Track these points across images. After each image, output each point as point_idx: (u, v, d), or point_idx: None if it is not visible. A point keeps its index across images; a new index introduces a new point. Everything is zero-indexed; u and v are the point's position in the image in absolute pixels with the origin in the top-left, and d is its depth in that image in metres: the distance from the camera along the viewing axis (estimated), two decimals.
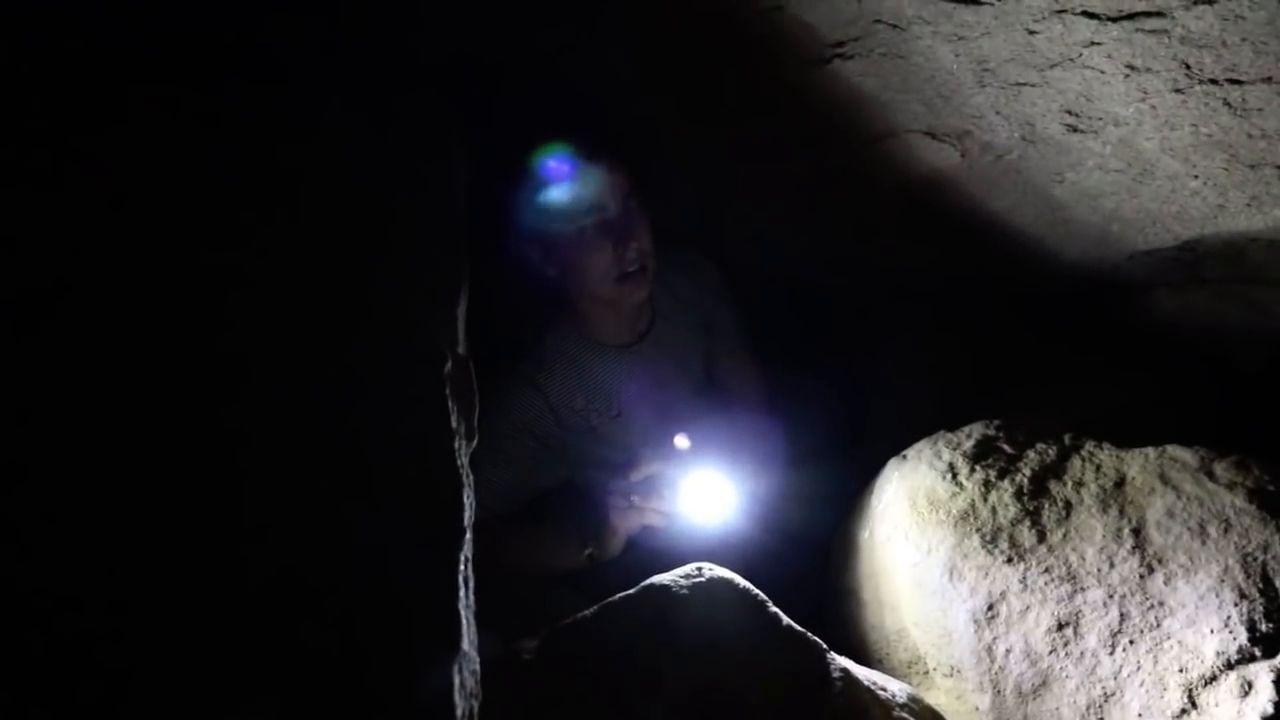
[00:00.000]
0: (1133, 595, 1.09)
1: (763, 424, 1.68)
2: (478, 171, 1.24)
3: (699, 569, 1.08)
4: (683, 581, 1.06)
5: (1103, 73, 1.01)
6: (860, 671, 1.11)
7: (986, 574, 1.18)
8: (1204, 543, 1.11)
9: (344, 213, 1.01)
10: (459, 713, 0.74)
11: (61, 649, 0.70)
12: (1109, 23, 0.92)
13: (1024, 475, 1.29)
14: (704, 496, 1.36)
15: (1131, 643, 1.06)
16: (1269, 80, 0.93)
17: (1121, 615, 1.08)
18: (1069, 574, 1.14)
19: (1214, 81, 0.96)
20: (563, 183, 1.36)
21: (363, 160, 1.06)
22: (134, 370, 0.83)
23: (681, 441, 1.37)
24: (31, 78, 0.95)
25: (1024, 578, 1.16)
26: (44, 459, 0.77)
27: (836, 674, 1.03)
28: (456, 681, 0.75)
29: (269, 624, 0.74)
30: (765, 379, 1.81)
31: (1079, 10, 0.93)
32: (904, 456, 1.42)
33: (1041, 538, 1.20)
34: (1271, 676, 0.95)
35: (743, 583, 1.07)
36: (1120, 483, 1.24)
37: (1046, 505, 1.24)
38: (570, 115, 1.39)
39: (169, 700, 0.70)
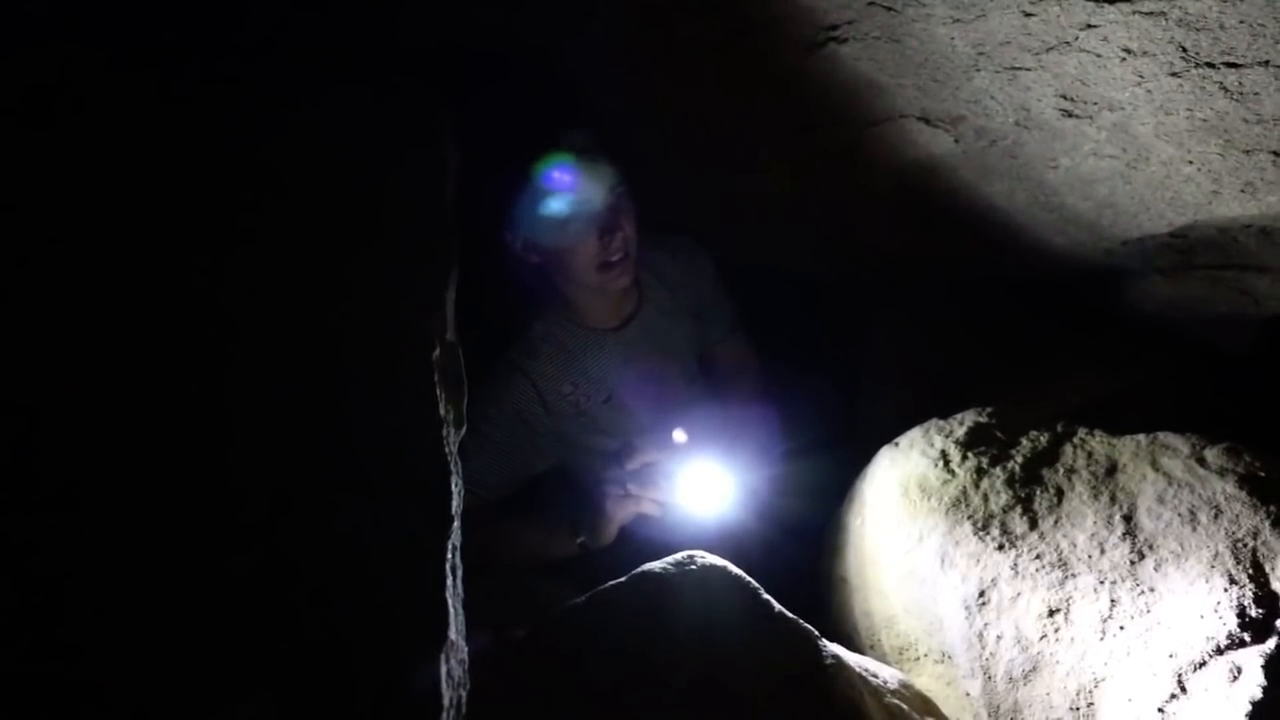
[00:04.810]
0: (1123, 581, 1.09)
1: (758, 413, 1.68)
2: (466, 160, 1.23)
3: (690, 557, 1.07)
4: (674, 569, 1.05)
5: (1099, 56, 1.00)
6: (851, 658, 1.11)
7: (978, 561, 1.19)
8: (1194, 529, 1.11)
9: (332, 200, 1.00)
10: (446, 701, 0.74)
11: (54, 642, 0.69)
12: (1106, 4, 0.91)
13: (1016, 462, 1.29)
14: (700, 487, 1.36)
15: (1122, 628, 1.06)
16: (1266, 64, 0.92)
17: (1112, 601, 1.08)
18: (1060, 560, 1.14)
19: (1211, 65, 0.95)
20: (551, 176, 1.35)
21: (351, 148, 1.05)
22: (122, 361, 0.82)
23: (679, 436, 1.37)
24: (20, 69, 0.93)
25: (1015, 564, 1.16)
26: (35, 451, 0.76)
27: (828, 661, 1.03)
28: (444, 670, 0.74)
29: (258, 614, 0.74)
30: (761, 364, 1.80)
31: None
32: (896, 444, 1.41)
33: (1033, 524, 1.20)
34: (1260, 662, 0.96)
35: (735, 570, 1.07)
36: (1112, 470, 1.24)
37: (1038, 492, 1.24)
38: (560, 103, 1.38)
39: (163, 696, 0.69)
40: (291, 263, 0.93)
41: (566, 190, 1.36)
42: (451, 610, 0.78)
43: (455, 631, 0.79)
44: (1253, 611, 1.00)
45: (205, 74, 1.03)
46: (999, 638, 1.14)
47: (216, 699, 0.70)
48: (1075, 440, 1.31)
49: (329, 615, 0.74)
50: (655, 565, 1.06)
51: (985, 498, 1.25)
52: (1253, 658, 0.97)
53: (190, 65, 1.02)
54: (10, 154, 0.89)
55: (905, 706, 1.10)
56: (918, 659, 1.26)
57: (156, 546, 0.75)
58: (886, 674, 1.16)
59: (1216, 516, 1.11)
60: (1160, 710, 0.99)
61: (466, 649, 0.83)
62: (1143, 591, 1.08)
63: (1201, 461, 1.20)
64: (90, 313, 0.84)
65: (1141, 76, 1.01)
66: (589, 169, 1.37)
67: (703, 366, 1.76)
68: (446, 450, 0.86)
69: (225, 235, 0.92)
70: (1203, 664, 0.99)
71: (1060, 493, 1.23)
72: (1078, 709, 1.06)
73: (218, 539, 0.77)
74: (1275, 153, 1.08)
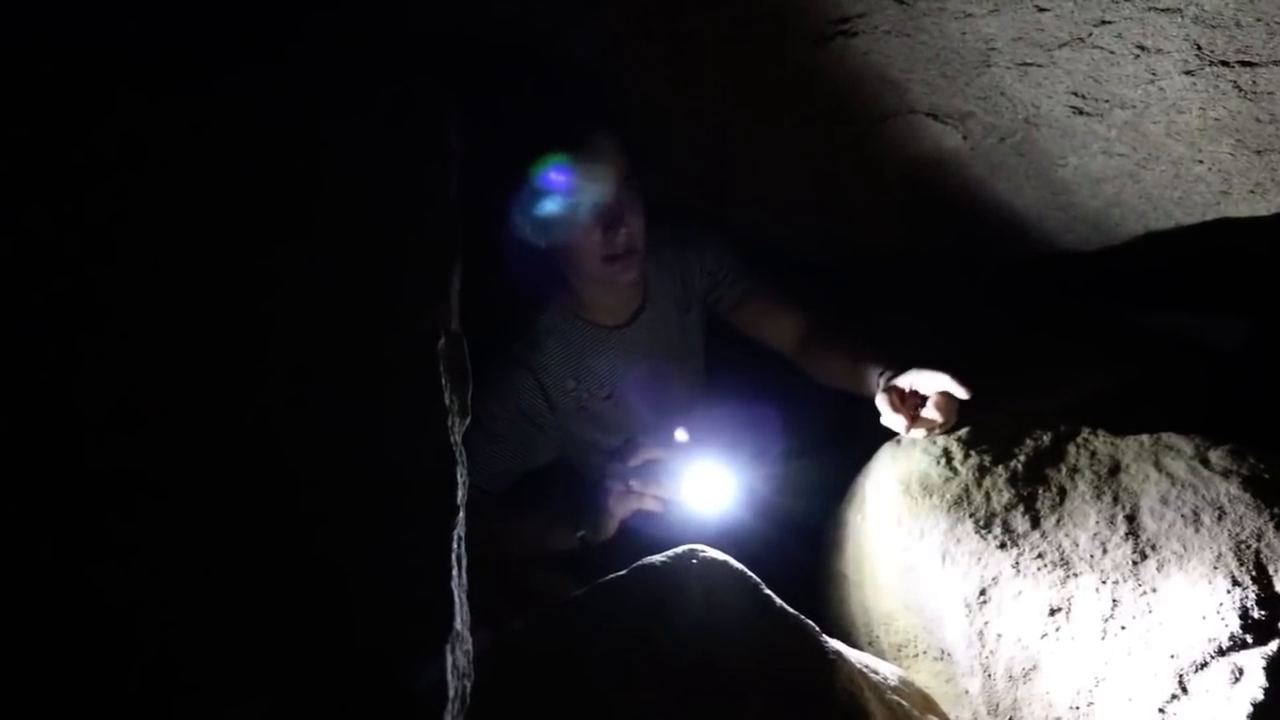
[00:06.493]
0: (1125, 581, 1.09)
1: (759, 413, 1.67)
2: (474, 148, 1.22)
3: (691, 551, 1.07)
4: (675, 563, 1.05)
5: (1112, 53, 0.99)
6: (852, 654, 1.11)
7: (979, 559, 1.18)
8: (1197, 530, 1.11)
9: (336, 191, 0.99)
10: (452, 692, 0.74)
11: (52, 642, 0.68)
12: (1123, 0, 0.90)
13: (1019, 461, 1.28)
14: (702, 485, 1.35)
15: (1123, 628, 1.06)
16: None
17: (1114, 601, 1.08)
18: (1062, 560, 1.14)
19: (1225, 63, 0.94)
20: (559, 167, 1.34)
21: (355, 140, 1.04)
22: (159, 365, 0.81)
23: (681, 435, 1.36)
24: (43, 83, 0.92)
25: (1017, 563, 1.16)
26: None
27: (829, 656, 1.02)
28: (450, 661, 0.74)
29: (259, 608, 0.73)
30: (807, 312, 1.67)
31: None
32: (898, 441, 1.41)
33: (1035, 523, 1.19)
34: (1263, 664, 0.96)
35: (736, 565, 1.06)
36: (1115, 469, 1.24)
37: (1041, 491, 1.23)
38: (569, 93, 1.37)
39: (167, 695, 0.68)
40: (308, 261, 0.93)
41: (573, 182, 1.35)
42: (457, 601, 0.77)
43: (461, 622, 0.78)
44: (1255, 613, 1.00)
45: (222, 73, 1.01)
46: (999, 636, 1.13)
47: (220, 695, 0.69)
48: (1078, 440, 1.31)
49: (333, 606, 0.74)
50: (656, 558, 1.06)
51: (987, 496, 1.24)
52: (1255, 659, 0.96)
53: (207, 65, 1.01)
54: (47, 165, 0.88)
55: (906, 704, 1.10)
56: (916, 656, 1.26)
57: (152, 541, 0.74)
58: (886, 670, 1.16)
59: (1220, 518, 1.11)
60: (1161, 710, 0.99)
61: (471, 640, 0.82)
62: (1145, 592, 1.07)
63: (1205, 462, 1.20)
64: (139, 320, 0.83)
65: (1154, 74, 1.00)
66: (597, 161, 1.36)
67: (743, 332, 1.70)
68: (451, 440, 0.86)
69: (225, 228, 0.92)
70: (1204, 665, 0.98)
71: (1063, 492, 1.22)
72: (1077, 708, 1.05)
73: (217, 535, 0.76)
74: None
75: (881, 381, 1.40)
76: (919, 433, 1.35)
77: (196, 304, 0.85)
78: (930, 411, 1.33)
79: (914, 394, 1.37)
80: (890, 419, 1.36)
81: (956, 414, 1.34)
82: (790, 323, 1.68)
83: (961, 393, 1.31)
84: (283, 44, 1.10)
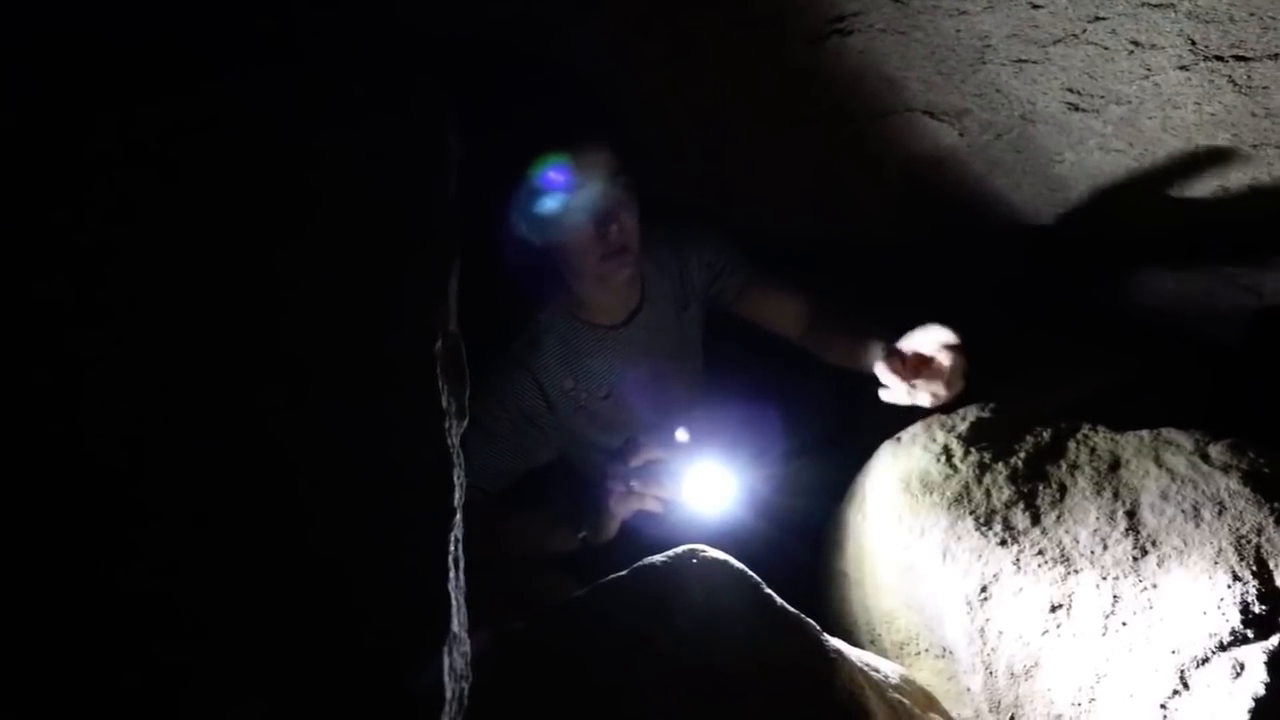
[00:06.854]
0: (1125, 577, 1.09)
1: (759, 413, 1.67)
2: (473, 149, 1.22)
3: (692, 550, 1.07)
4: (676, 563, 1.05)
5: (1106, 49, 1.00)
6: (853, 653, 1.11)
7: (980, 556, 1.18)
8: (1198, 525, 1.11)
9: (335, 192, 0.99)
10: (449, 695, 0.74)
11: (49, 643, 0.69)
12: None
13: (1019, 458, 1.28)
14: (702, 485, 1.35)
15: (1124, 624, 1.06)
16: (1275, 57, 0.92)
17: (1114, 597, 1.08)
18: (1062, 556, 1.14)
19: (1219, 58, 0.94)
20: (552, 166, 1.35)
21: (355, 141, 1.04)
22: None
23: (682, 435, 1.36)
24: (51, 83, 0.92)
25: (1017, 560, 1.16)
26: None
27: (830, 655, 1.02)
28: (446, 664, 0.74)
29: (254, 611, 0.73)
30: (810, 297, 1.66)
31: None
32: (898, 439, 1.41)
33: (1035, 520, 1.19)
34: (1263, 658, 0.95)
35: (737, 565, 1.06)
36: (1115, 465, 1.24)
37: (1041, 488, 1.23)
38: (564, 93, 1.37)
39: (167, 695, 0.68)
40: (308, 261, 0.93)
41: (566, 181, 1.36)
42: (454, 603, 0.77)
43: (458, 624, 0.78)
44: (1256, 608, 1.00)
45: (222, 78, 1.02)
46: (1000, 633, 1.13)
47: (220, 695, 0.69)
48: (1078, 436, 1.31)
49: (331, 607, 0.74)
50: (657, 558, 1.06)
51: (988, 493, 1.24)
52: (1256, 654, 0.96)
53: (219, 72, 1.02)
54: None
55: (907, 702, 1.10)
56: (918, 654, 1.26)
57: (153, 541, 0.74)
58: (888, 669, 1.16)
59: (1220, 513, 1.11)
60: (1162, 706, 0.98)
61: (469, 641, 0.82)
62: (1145, 588, 1.07)
63: (1205, 458, 1.20)
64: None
65: (1149, 70, 1.00)
66: (590, 161, 1.37)
67: (749, 320, 1.69)
68: (449, 442, 0.86)
69: (223, 231, 0.92)
70: (1205, 660, 0.98)
71: (1063, 488, 1.22)
72: (1079, 704, 1.05)
73: (217, 535, 0.76)
74: None
75: (881, 352, 1.37)
76: (922, 396, 1.29)
77: (197, 304, 0.85)
78: (933, 369, 1.28)
79: (916, 358, 1.33)
80: (890, 382, 1.31)
81: (960, 378, 1.29)
82: (794, 307, 1.67)
83: (952, 337, 1.25)
84: (282, 44, 1.10)
